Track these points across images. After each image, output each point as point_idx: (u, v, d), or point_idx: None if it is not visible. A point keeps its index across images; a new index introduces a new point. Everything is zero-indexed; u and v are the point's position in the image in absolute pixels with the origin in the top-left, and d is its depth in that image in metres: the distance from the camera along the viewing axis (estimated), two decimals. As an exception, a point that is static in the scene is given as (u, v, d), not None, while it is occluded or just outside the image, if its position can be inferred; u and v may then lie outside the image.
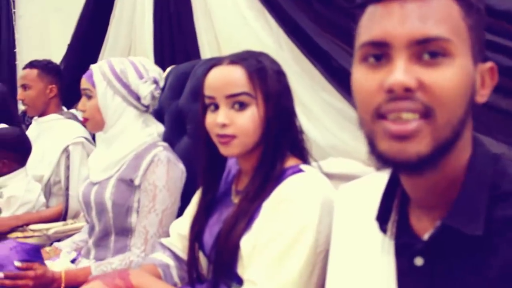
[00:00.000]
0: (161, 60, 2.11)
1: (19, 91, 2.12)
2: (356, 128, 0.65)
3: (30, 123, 2.23)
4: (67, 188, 1.97)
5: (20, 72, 2.12)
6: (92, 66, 1.49)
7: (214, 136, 1.06)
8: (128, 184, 1.41)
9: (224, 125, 1.02)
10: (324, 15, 1.43)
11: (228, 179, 1.19)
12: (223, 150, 1.06)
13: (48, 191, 2.04)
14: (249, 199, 1.03)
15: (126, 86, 1.44)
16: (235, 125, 1.02)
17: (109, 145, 1.48)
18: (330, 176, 1.06)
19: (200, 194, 1.17)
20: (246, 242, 0.99)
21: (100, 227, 1.45)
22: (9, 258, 1.34)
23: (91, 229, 1.50)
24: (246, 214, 1.02)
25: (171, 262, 1.24)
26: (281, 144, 1.04)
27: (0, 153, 1.90)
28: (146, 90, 1.44)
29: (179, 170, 1.43)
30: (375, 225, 0.72)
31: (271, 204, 0.99)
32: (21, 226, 1.79)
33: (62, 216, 1.94)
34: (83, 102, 1.49)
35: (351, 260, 0.78)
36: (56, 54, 2.89)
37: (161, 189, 1.38)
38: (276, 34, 1.59)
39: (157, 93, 1.48)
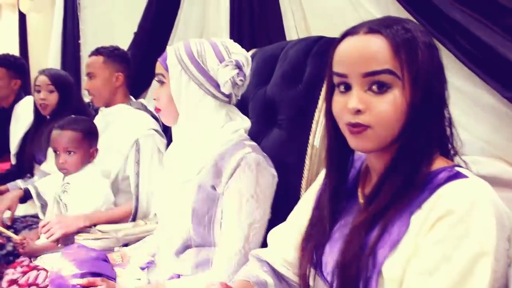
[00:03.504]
0: (238, 43, 1.88)
1: (85, 81, 1.96)
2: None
3: (96, 114, 2.07)
4: (137, 185, 1.79)
5: (84, 61, 1.95)
6: (168, 48, 1.28)
7: (343, 124, 0.82)
8: (210, 191, 1.19)
9: (357, 111, 0.78)
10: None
11: (350, 177, 0.94)
12: (353, 142, 0.82)
13: (116, 188, 1.87)
14: (384, 207, 0.79)
15: (203, 71, 1.22)
16: (371, 111, 0.78)
17: (186, 141, 1.27)
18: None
19: (323, 197, 0.93)
20: (392, 266, 0.75)
21: (178, 238, 1.25)
22: (72, 271, 1.17)
23: (168, 238, 1.29)
24: (385, 229, 0.77)
25: (269, 279, 1.02)
26: (429, 139, 0.79)
27: (93, 141, 1.74)
28: (225, 76, 1.21)
29: (270, 175, 1.20)
30: None
31: (427, 219, 0.74)
32: (89, 226, 1.62)
33: (131, 216, 1.76)
34: (156, 90, 1.29)
35: None
36: (122, 44, 2.77)
37: (248, 199, 1.15)
38: (384, 5, 1.32)
39: (239, 80, 1.23)
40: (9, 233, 1.70)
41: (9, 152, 2.68)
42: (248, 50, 1.65)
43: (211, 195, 1.19)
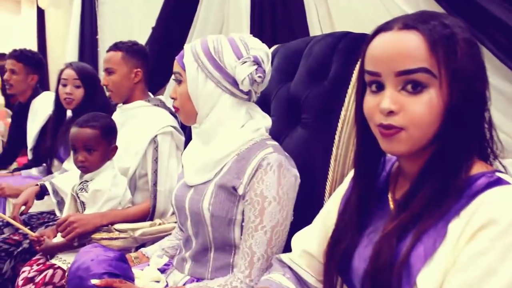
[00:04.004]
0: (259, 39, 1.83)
1: (103, 76, 1.93)
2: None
3: (114, 110, 2.04)
4: (155, 184, 1.76)
5: (102, 57, 1.92)
6: (185, 46, 1.24)
7: (374, 126, 0.77)
8: (230, 193, 1.15)
9: (390, 112, 0.73)
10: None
11: (379, 180, 0.89)
12: (385, 145, 0.77)
13: (133, 185, 1.83)
14: (418, 214, 0.74)
15: (220, 68, 1.18)
16: (405, 113, 0.73)
17: (205, 141, 1.23)
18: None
19: (350, 201, 0.88)
20: (428, 278, 0.70)
21: (197, 240, 1.21)
22: (90, 271, 1.14)
23: (187, 240, 1.26)
24: (418, 237, 0.72)
25: (292, 287, 0.97)
26: (468, 143, 0.74)
27: (112, 138, 1.71)
28: (243, 73, 1.16)
29: (292, 176, 1.15)
30: None
31: (465, 228, 0.69)
32: (105, 225, 1.59)
33: (149, 215, 1.73)
34: (174, 89, 1.25)
35: None
36: (140, 39, 2.74)
37: (270, 201, 1.10)
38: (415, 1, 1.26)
39: (257, 77, 1.17)
40: (26, 229, 1.68)
41: (26, 147, 2.67)
42: (269, 47, 1.61)
43: (231, 197, 1.14)
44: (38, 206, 2.03)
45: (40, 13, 4.83)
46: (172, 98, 1.25)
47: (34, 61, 2.71)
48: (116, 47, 1.92)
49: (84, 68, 2.26)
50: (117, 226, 1.60)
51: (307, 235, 1.01)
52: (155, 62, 2.17)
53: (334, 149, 1.24)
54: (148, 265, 1.29)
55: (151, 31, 2.54)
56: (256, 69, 1.17)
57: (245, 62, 1.17)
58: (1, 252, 1.75)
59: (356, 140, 0.86)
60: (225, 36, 1.25)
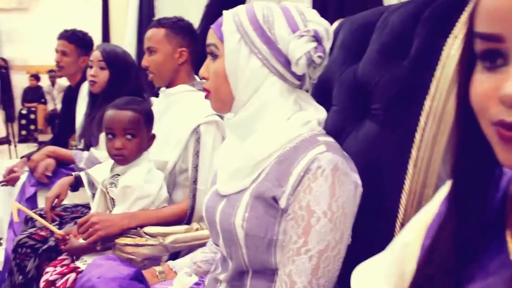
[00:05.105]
0: (322, 13, 1.53)
1: (145, 56, 1.71)
2: None
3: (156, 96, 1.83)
4: (194, 181, 1.52)
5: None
6: (225, 12, 0.97)
7: (488, 122, 0.47)
8: (269, 205, 0.88)
9: None
10: None
11: (490, 205, 0.58)
12: (505, 154, 0.46)
13: (172, 181, 1.61)
14: None
15: (270, 42, 0.91)
16: None
17: (242, 136, 0.96)
18: None
19: (444, 233, 0.58)
20: None
21: (232, 262, 0.95)
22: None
23: (223, 259, 1.00)
24: None
25: None
26: None
27: (151, 126, 1.51)
28: (299, 50, 0.89)
29: (351, 184, 0.87)
30: None
31: None
32: (134, 227, 1.37)
33: (186, 217, 1.49)
34: (206, 66, 0.99)
35: None
36: (196, 21, 2.55)
37: (319, 217, 0.83)
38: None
39: (317, 57, 0.91)
40: (51, 226, 1.50)
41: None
42: (333, 21, 1.31)
43: (271, 211, 0.88)
44: (71, 198, 1.86)
45: (105, -1, 4.86)
46: (203, 78, 1.00)
47: (85, 42, 2.58)
48: (158, 23, 1.68)
49: (112, 50, 2.10)
50: (147, 229, 1.37)
51: (374, 275, 0.71)
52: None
53: (413, 151, 0.93)
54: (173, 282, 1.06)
55: (204, 10, 2.30)
56: (316, 47, 0.91)
57: (303, 36, 0.90)
58: (26, 248, 1.59)
59: (455, 141, 0.56)
60: (278, 4, 0.97)
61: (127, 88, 1.96)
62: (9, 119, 6.06)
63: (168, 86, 1.71)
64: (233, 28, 0.93)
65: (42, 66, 8.00)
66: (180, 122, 1.59)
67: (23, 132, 7.87)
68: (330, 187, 0.84)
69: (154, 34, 1.67)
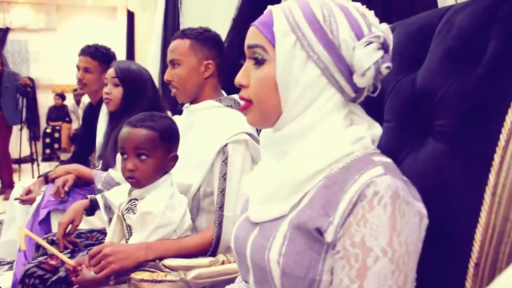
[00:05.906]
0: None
1: (168, 69, 1.57)
2: None
3: (180, 112, 1.68)
4: (221, 207, 1.36)
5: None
6: (272, 8, 0.82)
7: None
8: (312, 238, 0.72)
9: None
10: None
11: None
12: None
13: (196, 206, 1.45)
14: None
15: (333, 47, 0.76)
16: None
17: (280, 153, 0.81)
18: None
19: None
20: None
21: None
22: None
23: None
24: None
25: None
26: None
27: (172, 145, 1.36)
28: (368, 59, 0.75)
29: (416, 215, 0.71)
30: None
31: None
32: (152, 260, 1.21)
33: (211, 247, 1.33)
34: (245, 71, 0.83)
35: None
36: (223, 35, 2.45)
37: (378, 257, 0.67)
38: None
39: (384, 68, 0.77)
40: (62, 256, 1.35)
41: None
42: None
43: (314, 245, 0.72)
44: (87, 223, 1.72)
45: (130, 17, 4.94)
46: (241, 86, 0.84)
47: (109, 58, 2.48)
48: (183, 34, 1.55)
49: (126, 67, 2.01)
50: (167, 261, 1.21)
51: None
52: (235, 55, 1.80)
53: (491, 176, 0.76)
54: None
55: (231, 22, 2.18)
56: (383, 56, 0.77)
57: (370, 43, 0.76)
58: (35, 279, 1.44)
59: None
60: (334, 1, 0.82)
61: (143, 105, 1.86)
62: (34, 137, 6.04)
63: (192, 102, 1.56)
64: (287, 27, 0.78)
65: (68, 85, 8.06)
66: (205, 141, 1.44)
67: (47, 151, 7.87)
68: (390, 218, 0.68)
69: (178, 45, 1.53)
